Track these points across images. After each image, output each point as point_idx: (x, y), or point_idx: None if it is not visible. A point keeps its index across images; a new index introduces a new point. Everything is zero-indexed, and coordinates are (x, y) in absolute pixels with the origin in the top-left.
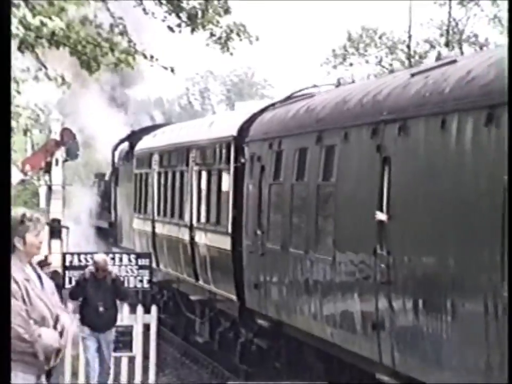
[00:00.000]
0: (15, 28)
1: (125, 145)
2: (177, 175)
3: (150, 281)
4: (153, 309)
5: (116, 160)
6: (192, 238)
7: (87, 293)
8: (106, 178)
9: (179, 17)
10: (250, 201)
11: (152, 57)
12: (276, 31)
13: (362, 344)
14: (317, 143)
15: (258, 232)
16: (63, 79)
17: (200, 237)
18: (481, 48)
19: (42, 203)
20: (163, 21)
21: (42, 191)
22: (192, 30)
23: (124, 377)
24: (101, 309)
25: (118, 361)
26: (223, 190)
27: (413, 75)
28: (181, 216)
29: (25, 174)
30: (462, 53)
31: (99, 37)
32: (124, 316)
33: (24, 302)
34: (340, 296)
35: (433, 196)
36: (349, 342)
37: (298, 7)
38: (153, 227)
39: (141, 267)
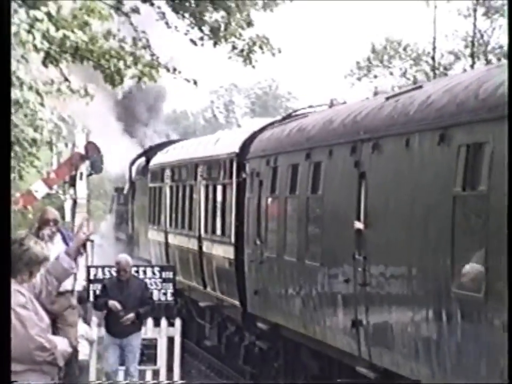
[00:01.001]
0: (39, 42)
1: (142, 160)
2: (187, 189)
3: (173, 294)
4: (177, 322)
5: (133, 174)
6: (200, 248)
7: (109, 297)
8: (125, 192)
9: (201, 31)
10: (251, 213)
11: (175, 70)
12: (299, 43)
13: (344, 340)
14: (306, 159)
15: (258, 241)
16: (85, 90)
17: (207, 247)
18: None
19: (68, 217)
20: (186, 34)
21: (68, 204)
22: (215, 43)
23: None
24: (121, 313)
25: (142, 374)
26: (227, 203)
27: (387, 98)
28: (190, 227)
29: (51, 188)
30: (487, 64)
31: (122, 50)
32: (148, 329)
33: (35, 313)
34: (326, 298)
35: (400, 207)
36: (334, 339)
37: (321, 18)
38: (166, 238)
39: (164, 280)
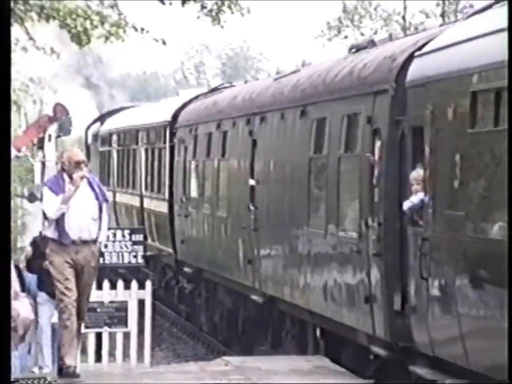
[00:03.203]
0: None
1: (97, 125)
2: (131, 153)
3: (144, 257)
4: (148, 284)
5: (89, 139)
6: (142, 204)
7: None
8: None
9: None
10: (178, 174)
11: (143, 29)
12: (270, 3)
13: (241, 274)
14: (217, 129)
15: (183, 199)
16: (51, 49)
17: (147, 203)
18: None
19: (37, 179)
20: None
21: (37, 167)
22: (183, 2)
23: (119, 353)
24: None
25: (113, 336)
26: (162, 165)
27: (275, 79)
28: (134, 186)
29: (19, 150)
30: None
31: (89, 9)
32: (119, 292)
33: None
34: (232, 243)
35: (278, 167)
36: (239, 276)
37: None
38: (114, 196)
39: (134, 243)
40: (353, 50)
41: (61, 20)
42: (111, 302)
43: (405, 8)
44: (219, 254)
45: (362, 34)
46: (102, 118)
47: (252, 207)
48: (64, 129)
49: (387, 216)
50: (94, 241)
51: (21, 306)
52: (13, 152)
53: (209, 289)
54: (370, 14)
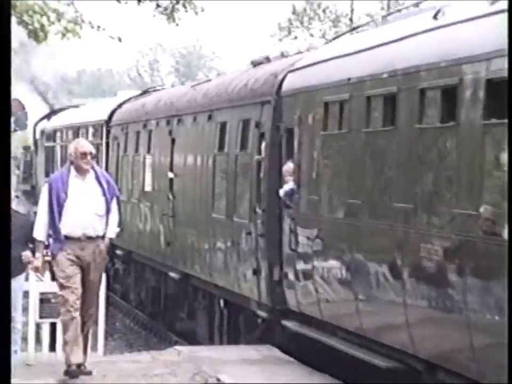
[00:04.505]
0: None
1: (44, 122)
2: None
3: None
4: (103, 275)
5: (37, 135)
6: None
7: None
8: (31, 149)
9: None
10: (113, 167)
11: (99, 27)
12: (223, 3)
13: (162, 255)
14: (143, 128)
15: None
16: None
17: None
18: None
19: None
20: None
21: None
22: (139, 1)
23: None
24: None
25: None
26: (99, 159)
27: (191, 87)
28: None
29: None
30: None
31: (45, 6)
32: None
33: None
34: (154, 229)
35: (191, 162)
36: (158, 255)
37: None
38: None
39: None
40: (253, 64)
41: (18, 17)
42: None
43: (352, 10)
44: (145, 238)
45: (311, 35)
46: (49, 116)
47: (170, 197)
48: (20, 124)
49: (269, 204)
50: (102, 237)
51: None
52: None
53: (137, 269)
54: (319, 16)
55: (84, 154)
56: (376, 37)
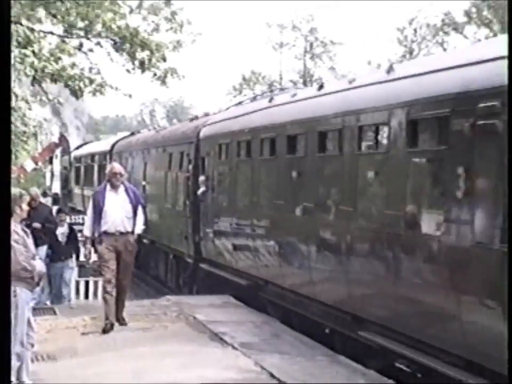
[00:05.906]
0: (28, 70)
1: (76, 151)
2: (89, 168)
3: None
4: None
5: (72, 159)
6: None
7: None
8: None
9: (133, 63)
10: None
11: (116, 88)
12: (199, 72)
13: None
14: (129, 155)
15: None
16: (58, 101)
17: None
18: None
19: (48, 183)
20: (123, 66)
21: (48, 175)
22: (142, 72)
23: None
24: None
25: (96, 283)
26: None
27: (157, 131)
28: (92, 185)
29: (36, 164)
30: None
31: (82, 75)
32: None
33: (24, 246)
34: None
35: (157, 177)
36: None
37: (214, 57)
38: (82, 191)
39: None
40: (190, 120)
41: (64, 82)
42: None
43: (281, 78)
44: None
45: (254, 93)
46: (78, 147)
47: (143, 195)
48: (65, 151)
49: (193, 199)
50: (131, 232)
51: (37, 263)
52: (32, 165)
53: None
54: (260, 81)
55: (115, 174)
56: (251, 107)
